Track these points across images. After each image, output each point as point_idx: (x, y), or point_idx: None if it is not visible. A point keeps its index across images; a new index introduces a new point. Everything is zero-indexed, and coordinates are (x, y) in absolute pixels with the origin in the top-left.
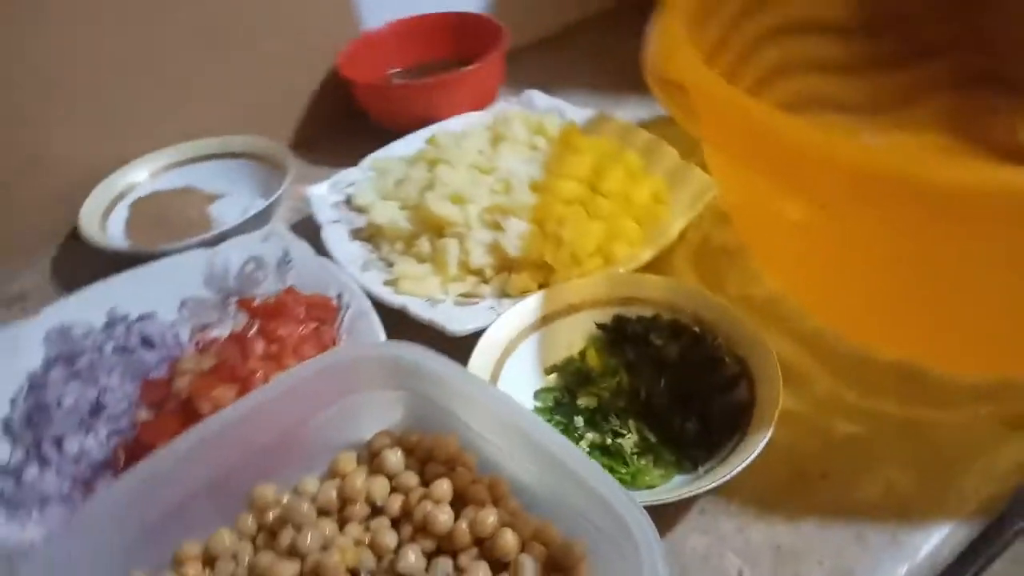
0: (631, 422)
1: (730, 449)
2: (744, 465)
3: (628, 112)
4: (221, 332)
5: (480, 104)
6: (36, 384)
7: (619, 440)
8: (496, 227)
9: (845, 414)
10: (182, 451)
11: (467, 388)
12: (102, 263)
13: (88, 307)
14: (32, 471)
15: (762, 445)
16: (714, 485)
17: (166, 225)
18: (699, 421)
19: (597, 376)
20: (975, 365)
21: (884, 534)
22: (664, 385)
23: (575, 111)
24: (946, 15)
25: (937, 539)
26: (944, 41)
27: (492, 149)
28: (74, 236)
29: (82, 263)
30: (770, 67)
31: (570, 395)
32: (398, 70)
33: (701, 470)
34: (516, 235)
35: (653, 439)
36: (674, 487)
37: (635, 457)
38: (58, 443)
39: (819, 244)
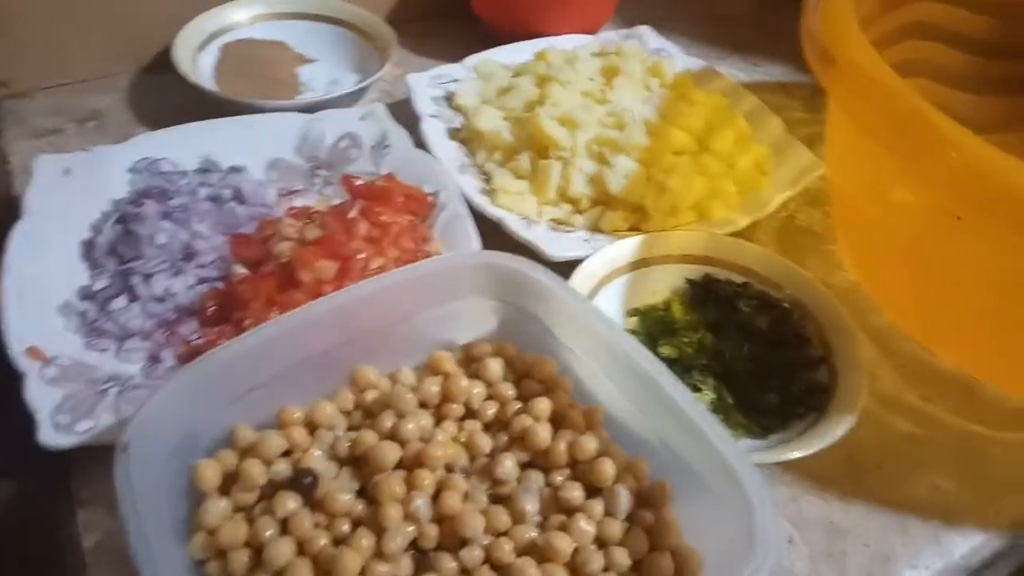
0: (711, 380)
1: (806, 427)
2: (829, 444)
3: (729, 71)
4: (307, 201)
5: (589, 28)
6: (126, 214)
7: (696, 395)
8: (602, 160)
9: (904, 413)
10: (292, 324)
11: (574, 307)
12: (184, 101)
13: (179, 147)
14: (119, 302)
15: (846, 429)
16: (800, 456)
17: (254, 77)
18: (778, 393)
19: (679, 329)
20: None
21: (927, 530)
22: (747, 352)
23: (685, 59)
24: None
25: (972, 545)
26: None
27: (604, 80)
28: (154, 66)
29: (161, 95)
30: (893, 63)
31: (651, 341)
32: None
33: (772, 439)
34: (622, 173)
35: (730, 401)
36: (742, 448)
37: None
38: (146, 279)
39: (914, 241)
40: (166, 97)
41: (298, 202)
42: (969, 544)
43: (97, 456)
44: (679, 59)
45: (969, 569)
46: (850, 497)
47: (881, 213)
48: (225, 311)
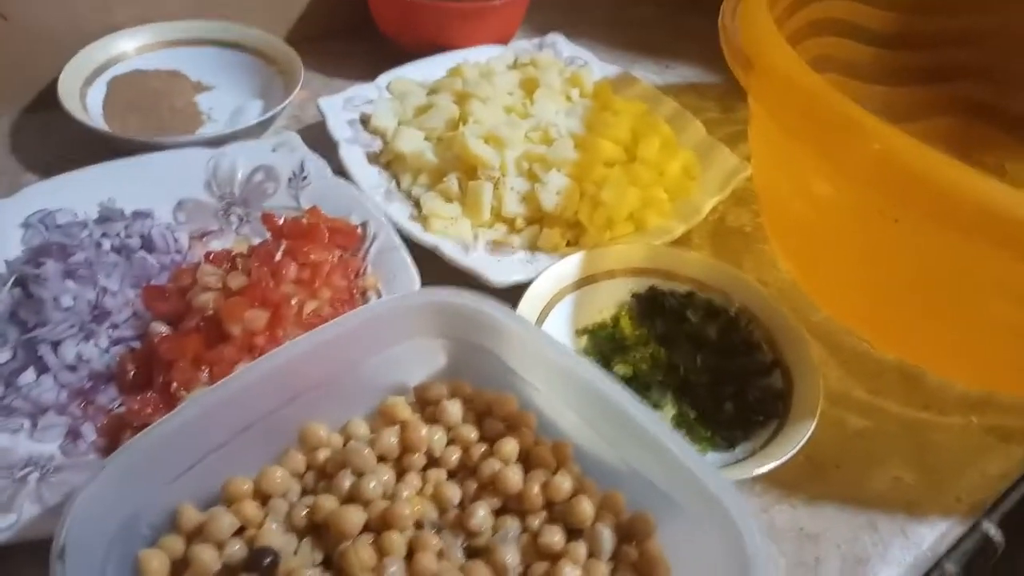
0: (670, 396)
1: (769, 435)
2: (795, 452)
3: (642, 75)
4: (223, 243)
5: (500, 38)
6: (24, 276)
7: (658, 413)
8: (532, 177)
9: (854, 408)
10: (230, 391)
11: (525, 337)
12: (75, 141)
13: (75, 195)
14: (28, 376)
15: (808, 435)
16: (772, 467)
17: (150, 110)
18: (733, 402)
19: (630, 345)
20: (966, 376)
21: (893, 525)
22: (701, 363)
23: (600, 65)
24: (968, 38)
25: (937, 533)
26: (961, 66)
27: (524, 93)
28: (39, 104)
29: (48, 137)
30: (804, 59)
31: (604, 361)
32: None
33: (738, 451)
34: (554, 189)
35: (692, 415)
36: (711, 463)
37: None
38: (55, 347)
39: (843, 238)
40: (55, 138)
41: (214, 245)
42: (935, 533)
43: (23, 547)
44: (595, 66)
45: (936, 558)
46: (816, 500)
47: (810, 212)
48: (147, 374)
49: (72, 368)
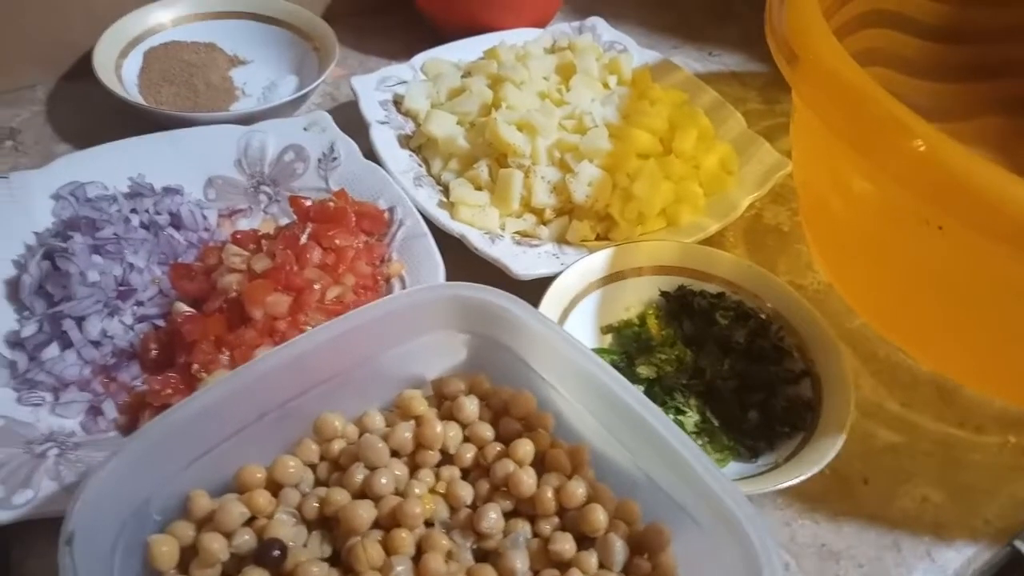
0: (693, 401)
1: (795, 447)
2: (820, 468)
3: (683, 62)
4: (251, 222)
5: (539, 20)
6: (52, 249)
7: (680, 418)
8: (564, 167)
9: (886, 422)
10: (248, 378)
11: (546, 336)
12: (110, 112)
13: (106, 167)
14: (52, 350)
15: (836, 450)
16: (793, 483)
17: (184, 83)
18: (760, 411)
19: (656, 346)
20: (1006, 392)
21: (919, 546)
22: (728, 368)
23: (640, 52)
24: (1021, 33)
25: (964, 558)
26: (1014, 62)
27: (560, 79)
28: (75, 73)
29: (84, 107)
30: (852, 52)
31: (628, 361)
32: None
33: (760, 461)
34: (586, 180)
35: (715, 423)
36: (731, 473)
37: (693, 437)
38: (80, 322)
39: (884, 242)
40: (90, 108)
41: (242, 224)
42: (961, 558)
43: (38, 523)
44: (634, 52)
45: None
46: (840, 516)
47: (848, 212)
48: (169, 353)
49: (96, 344)
